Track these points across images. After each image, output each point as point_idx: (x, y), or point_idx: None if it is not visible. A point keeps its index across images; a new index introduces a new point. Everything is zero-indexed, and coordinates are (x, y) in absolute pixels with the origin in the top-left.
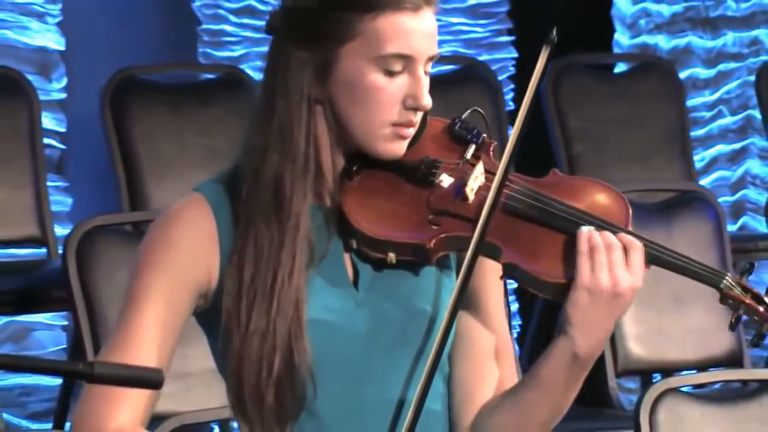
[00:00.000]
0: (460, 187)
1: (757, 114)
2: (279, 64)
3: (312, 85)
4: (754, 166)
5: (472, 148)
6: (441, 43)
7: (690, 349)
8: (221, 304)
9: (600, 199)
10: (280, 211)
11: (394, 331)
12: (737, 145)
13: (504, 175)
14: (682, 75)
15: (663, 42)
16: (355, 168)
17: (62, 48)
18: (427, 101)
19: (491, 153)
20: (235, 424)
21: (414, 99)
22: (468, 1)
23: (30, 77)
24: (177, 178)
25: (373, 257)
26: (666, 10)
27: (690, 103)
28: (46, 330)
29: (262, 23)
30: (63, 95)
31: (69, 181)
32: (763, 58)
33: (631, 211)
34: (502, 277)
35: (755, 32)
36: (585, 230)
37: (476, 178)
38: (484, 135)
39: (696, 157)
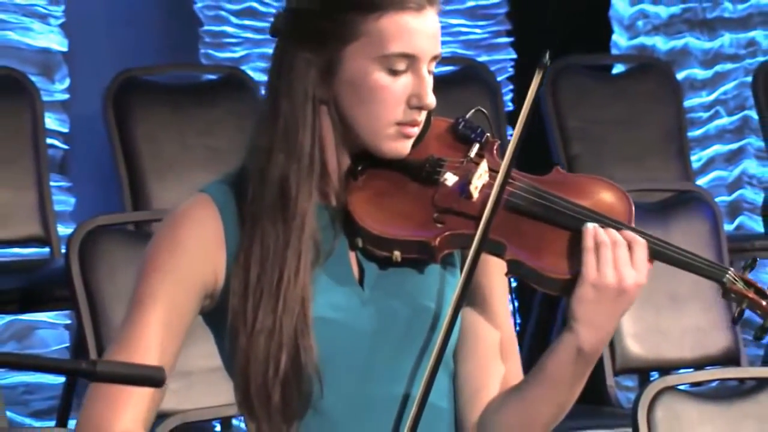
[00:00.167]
0: (464, 185)
1: (753, 114)
2: (283, 66)
3: (317, 85)
4: (750, 166)
5: (475, 147)
6: (440, 44)
7: (687, 347)
8: (228, 304)
9: (603, 196)
10: (285, 210)
11: (400, 329)
12: (734, 146)
13: (507, 173)
14: (680, 76)
15: (660, 43)
16: (360, 167)
17: (65, 49)
18: (431, 100)
19: (495, 152)
20: (237, 422)
21: (418, 98)
22: (467, 3)
23: (33, 78)
24: (179, 178)
25: (379, 255)
26: (663, 11)
27: (687, 103)
28: (49, 329)
29: (263, 25)
30: (66, 96)
31: (72, 181)
32: (760, 59)
33: (633, 208)
34: (506, 274)
35: (752, 33)
36: (591, 226)
37: (480, 177)
38: (488, 134)
39: (693, 158)
